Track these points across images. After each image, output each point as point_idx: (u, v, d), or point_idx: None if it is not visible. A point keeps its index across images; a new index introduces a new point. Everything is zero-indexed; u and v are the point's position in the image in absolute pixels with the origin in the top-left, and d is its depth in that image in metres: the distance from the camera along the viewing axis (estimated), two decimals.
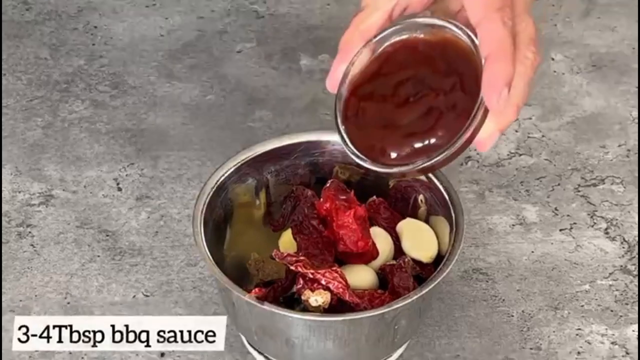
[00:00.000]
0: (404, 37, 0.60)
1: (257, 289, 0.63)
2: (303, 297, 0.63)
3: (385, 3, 0.61)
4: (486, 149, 0.58)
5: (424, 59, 0.59)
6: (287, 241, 0.68)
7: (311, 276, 0.62)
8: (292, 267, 0.63)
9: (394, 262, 0.66)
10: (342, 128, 0.60)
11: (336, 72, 0.61)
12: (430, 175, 0.69)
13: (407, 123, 0.58)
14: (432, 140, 0.57)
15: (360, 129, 0.60)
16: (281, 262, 0.64)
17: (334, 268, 0.63)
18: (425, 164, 0.57)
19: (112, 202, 0.81)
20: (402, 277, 0.65)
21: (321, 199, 0.68)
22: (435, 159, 0.57)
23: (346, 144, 0.60)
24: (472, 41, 0.57)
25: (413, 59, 0.59)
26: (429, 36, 0.59)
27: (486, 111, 0.56)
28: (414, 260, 0.67)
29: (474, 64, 0.57)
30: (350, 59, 0.61)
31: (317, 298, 0.62)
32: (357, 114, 0.60)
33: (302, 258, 0.63)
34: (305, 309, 0.63)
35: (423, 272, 0.66)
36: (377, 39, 0.60)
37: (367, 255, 0.67)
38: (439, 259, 0.66)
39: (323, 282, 0.62)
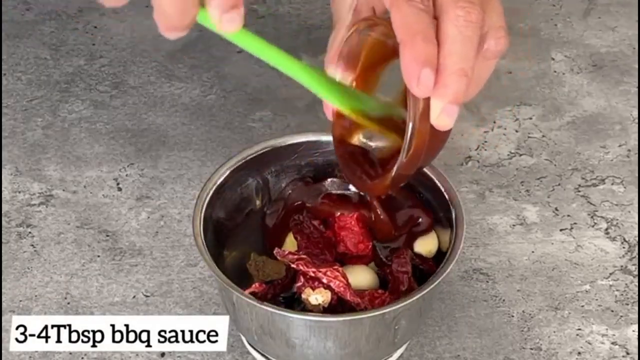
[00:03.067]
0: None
1: (257, 284, 0.63)
2: (303, 295, 0.63)
3: (344, 16, 0.60)
4: (448, 126, 0.55)
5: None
6: (288, 241, 0.68)
7: (312, 275, 0.62)
8: (294, 265, 0.63)
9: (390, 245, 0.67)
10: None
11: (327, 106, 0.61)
12: (430, 175, 0.68)
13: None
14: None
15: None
16: (282, 260, 0.64)
17: (336, 267, 0.63)
18: (393, 175, 0.57)
19: (112, 202, 0.81)
20: (400, 263, 0.65)
21: (319, 200, 0.68)
22: (397, 167, 0.57)
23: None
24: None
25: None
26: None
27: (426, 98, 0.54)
28: (414, 253, 0.67)
29: None
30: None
31: (318, 296, 0.62)
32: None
33: (303, 256, 0.63)
34: (305, 308, 0.63)
35: (423, 265, 0.67)
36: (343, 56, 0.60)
37: (366, 258, 0.67)
38: (440, 257, 0.66)
39: (324, 281, 0.62)
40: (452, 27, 0.53)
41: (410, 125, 0.54)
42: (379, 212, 0.67)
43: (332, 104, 0.58)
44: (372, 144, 0.63)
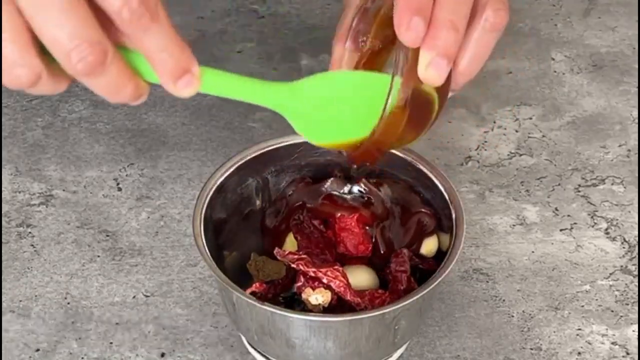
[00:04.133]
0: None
1: (257, 284, 0.63)
2: (303, 295, 0.63)
3: None
4: (438, 80, 0.54)
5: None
6: (288, 241, 0.68)
7: (312, 274, 0.63)
8: (294, 265, 0.63)
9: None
10: None
11: None
12: (430, 175, 0.68)
13: None
14: None
15: None
16: (282, 260, 0.64)
17: (336, 267, 0.63)
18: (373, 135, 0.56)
19: (112, 202, 0.81)
20: (398, 262, 0.65)
21: (320, 200, 0.68)
22: (379, 122, 0.55)
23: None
24: None
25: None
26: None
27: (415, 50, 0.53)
28: (414, 253, 0.67)
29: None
30: (339, 64, 0.60)
31: (318, 296, 0.62)
32: None
33: (303, 256, 0.63)
34: (305, 308, 0.63)
35: (423, 265, 0.67)
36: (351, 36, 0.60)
37: (366, 259, 0.68)
38: (440, 257, 0.66)
39: (324, 281, 0.62)
40: None
41: (396, 77, 0.53)
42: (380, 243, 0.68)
43: (306, 137, 0.59)
44: None
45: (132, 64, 0.49)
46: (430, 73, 0.53)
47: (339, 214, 0.68)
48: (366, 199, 0.69)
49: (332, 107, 0.58)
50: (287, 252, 0.64)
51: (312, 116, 0.58)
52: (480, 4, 0.55)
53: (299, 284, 0.63)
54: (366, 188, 0.69)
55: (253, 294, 0.63)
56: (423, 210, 0.69)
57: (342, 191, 0.70)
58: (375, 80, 0.57)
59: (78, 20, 0.45)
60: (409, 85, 0.54)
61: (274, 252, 0.64)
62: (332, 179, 0.70)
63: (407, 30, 0.52)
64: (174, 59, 0.48)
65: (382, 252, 0.67)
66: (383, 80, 0.56)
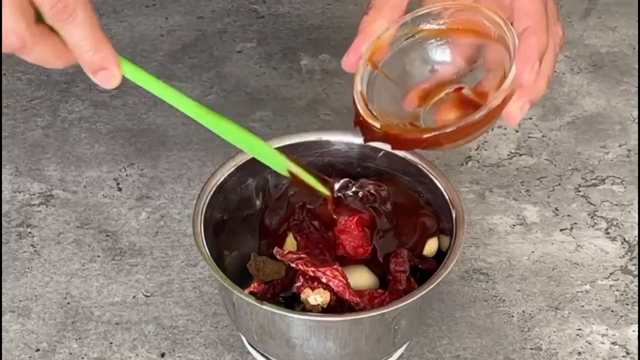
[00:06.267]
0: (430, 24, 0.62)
1: (255, 284, 0.63)
2: (302, 296, 0.63)
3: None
4: (517, 121, 0.59)
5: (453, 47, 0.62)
6: (288, 241, 0.68)
7: (312, 274, 0.63)
8: (293, 265, 0.63)
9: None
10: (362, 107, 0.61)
11: (356, 51, 0.62)
12: (431, 175, 0.69)
13: (433, 101, 0.62)
14: (458, 115, 0.60)
15: (385, 105, 0.62)
16: (282, 260, 0.64)
17: (335, 266, 0.63)
18: (453, 127, 0.58)
19: (112, 202, 0.81)
20: (397, 262, 0.65)
21: (320, 202, 0.68)
22: (461, 123, 0.58)
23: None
24: (499, 25, 0.59)
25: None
26: (455, 23, 0.62)
27: (514, 84, 0.58)
28: (416, 254, 0.67)
29: (498, 48, 0.59)
30: (372, 39, 0.62)
31: (317, 297, 0.62)
32: (382, 90, 0.62)
33: (303, 256, 0.63)
34: (305, 308, 0.63)
35: (423, 265, 0.67)
36: (403, 21, 0.61)
37: (365, 260, 0.68)
38: (440, 257, 0.66)
39: (324, 280, 0.62)
40: (551, 39, 0.60)
41: (501, 94, 0.58)
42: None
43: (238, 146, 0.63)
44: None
45: None
46: (517, 114, 0.59)
47: (339, 216, 0.68)
48: (366, 200, 0.69)
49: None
50: (286, 252, 0.64)
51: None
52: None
53: (298, 284, 0.63)
54: (367, 190, 0.69)
55: (251, 294, 0.63)
56: (425, 212, 0.69)
57: (342, 193, 0.70)
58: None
59: None
60: (498, 108, 0.58)
61: (274, 251, 0.64)
62: (331, 180, 0.70)
63: (531, 72, 0.57)
64: (88, 55, 0.55)
65: (380, 256, 0.67)
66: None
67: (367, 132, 0.62)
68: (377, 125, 0.61)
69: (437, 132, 0.59)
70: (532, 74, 0.57)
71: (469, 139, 0.60)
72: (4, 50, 0.53)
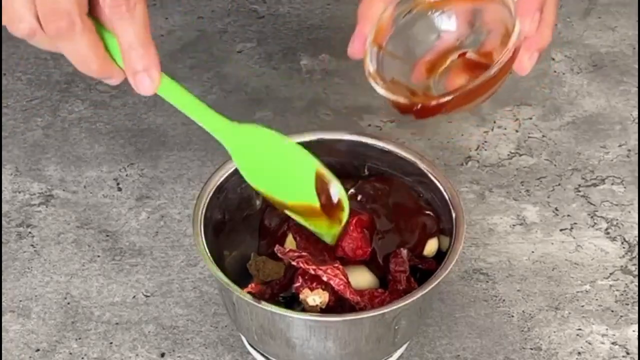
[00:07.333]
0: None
1: (253, 285, 0.63)
2: (301, 296, 0.63)
3: None
4: (527, 70, 0.63)
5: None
6: (288, 241, 0.68)
7: (313, 272, 0.62)
8: (294, 263, 0.63)
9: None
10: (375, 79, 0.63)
11: (361, 37, 0.63)
12: (431, 175, 0.69)
13: (440, 70, 0.64)
14: (467, 78, 0.62)
15: (396, 73, 0.64)
16: (283, 257, 0.64)
17: (336, 265, 0.63)
18: (469, 86, 0.60)
19: (112, 202, 0.81)
20: (397, 262, 0.65)
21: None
22: (478, 81, 0.60)
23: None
24: None
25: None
26: None
27: (521, 37, 0.60)
28: (417, 255, 0.67)
29: (496, 7, 0.62)
30: (373, 22, 0.63)
31: (315, 297, 0.62)
32: (392, 62, 0.64)
33: (304, 254, 0.63)
34: (304, 309, 0.63)
35: (422, 265, 0.67)
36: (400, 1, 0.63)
37: (364, 262, 0.67)
38: (440, 257, 0.66)
39: (324, 279, 0.62)
40: None
41: (509, 50, 0.60)
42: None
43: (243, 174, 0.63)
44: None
45: (108, 46, 0.56)
46: (527, 64, 0.63)
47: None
48: (365, 201, 0.69)
49: (263, 161, 0.63)
50: (287, 250, 0.64)
51: (250, 160, 0.63)
52: None
53: (297, 284, 0.63)
54: (366, 190, 0.69)
55: (249, 294, 0.63)
56: (425, 212, 0.69)
57: None
58: (296, 154, 0.63)
59: None
60: (509, 62, 0.61)
61: (275, 249, 0.64)
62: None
63: (532, 22, 0.60)
64: (137, 53, 0.55)
65: (380, 256, 0.67)
66: (302, 156, 0.63)
67: (398, 107, 0.64)
68: (402, 99, 0.62)
69: (458, 92, 0.61)
70: (533, 24, 0.60)
71: (485, 96, 0.62)
72: (49, 29, 0.53)
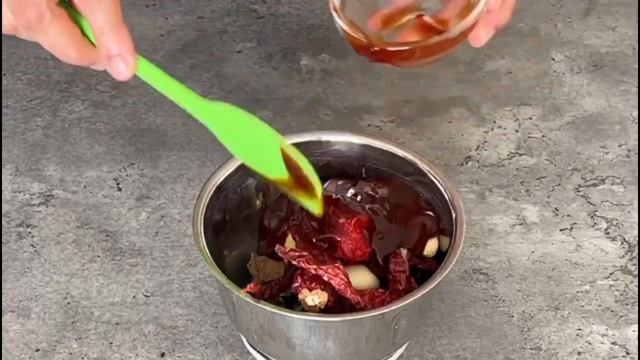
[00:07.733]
0: None
1: (252, 285, 0.63)
2: (300, 296, 0.63)
3: None
4: (481, 43, 0.64)
5: None
6: (287, 241, 0.68)
7: (313, 272, 0.63)
8: (295, 262, 0.63)
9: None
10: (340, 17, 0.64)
11: None
12: (431, 175, 0.69)
13: (395, 25, 0.66)
14: (419, 39, 0.64)
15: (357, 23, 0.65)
16: (284, 257, 0.64)
17: (337, 264, 0.63)
18: (427, 42, 0.62)
19: (112, 202, 0.81)
20: (397, 262, 0.66)
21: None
22: (437, 39, 0.61)
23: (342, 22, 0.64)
24: None
25: None
26: None
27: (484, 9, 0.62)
28: (417, 255, 0.67)
29: None
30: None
31: (314, 298, 0.62)
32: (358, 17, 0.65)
33: (304, 253, 0.63)
34: (303, 309, 0.63)
35: (422, 265, 0.67)
36: None
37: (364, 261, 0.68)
38: (440, 257, 0.66)
39: (325, 278, 0.62)
40: None
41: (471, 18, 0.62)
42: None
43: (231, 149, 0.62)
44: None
45: (87, 33, 0.56)
46: (483, 38, 0.64)
47: (338, 218, 0.68)
48: (365, 202, 0.69)
49: (239, 137, 0.64)
50: (288, 249, 0.64)
51: (229, 135, 0.63)
52: None
53: (296, 284, 0.63)
54: (365, 191, 0.69)
55: (249, 294, 0.63)
56: (425, 212, 0.69)
57: (341, 194, 0.70)
58: (260, 130, 0.63)
59: None
60: (468, 30, 0.63)
61: (275, 248, 0.64)
62: (330, 181, 0.70)
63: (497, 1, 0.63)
64: (108, 38, 0.55)
65: (380, 257, 0.67)
66: (266, 132, 0.63)
67: (355, 45, 0.65)
68: (362, 37, 0.64)
69: (415, 45, 0.62)
70: (499, 0, 0.62)
71: (434, 58, 0.64)
72: (19, 21, 0.53)
